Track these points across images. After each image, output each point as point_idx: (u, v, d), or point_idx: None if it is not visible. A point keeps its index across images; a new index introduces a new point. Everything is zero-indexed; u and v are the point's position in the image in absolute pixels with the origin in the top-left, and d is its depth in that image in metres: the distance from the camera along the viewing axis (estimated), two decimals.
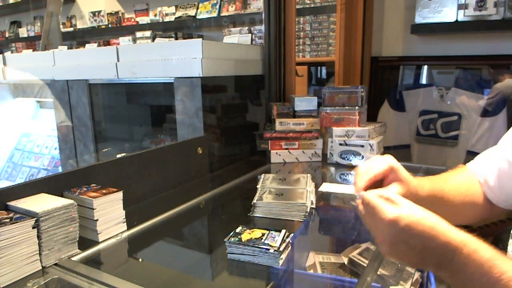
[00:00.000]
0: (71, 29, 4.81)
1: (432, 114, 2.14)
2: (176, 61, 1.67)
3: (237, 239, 0.92)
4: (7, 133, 2.89)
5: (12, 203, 0.91)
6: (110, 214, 1.03)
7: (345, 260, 0.99)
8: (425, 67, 2.21)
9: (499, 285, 0.53)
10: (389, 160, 0.76)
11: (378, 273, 0.67)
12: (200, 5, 3.79)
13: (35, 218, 0.84)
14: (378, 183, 0.75)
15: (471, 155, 2.00)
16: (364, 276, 0.71)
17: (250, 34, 2.52)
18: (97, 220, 0.99)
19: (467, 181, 0.87)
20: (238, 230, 0.97)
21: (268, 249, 0.88)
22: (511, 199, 0.82)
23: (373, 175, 0.74)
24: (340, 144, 1.71)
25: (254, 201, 1.19)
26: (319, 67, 3.11)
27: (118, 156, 1.27)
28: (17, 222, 0.82)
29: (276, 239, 0.92)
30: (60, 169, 2.52)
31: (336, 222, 1.29)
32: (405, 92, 2.23)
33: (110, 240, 1.02)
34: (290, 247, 0.92)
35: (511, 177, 0.80)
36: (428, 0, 1.93)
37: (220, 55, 1.74)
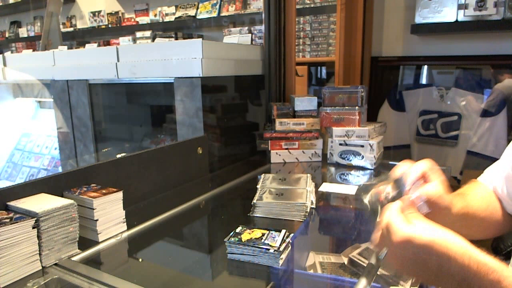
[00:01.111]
0: (71, 29, 4.81)
1: (432, 114, 2.14)
2: (176, 61, 1.67)
3: (237, 239, 0.92)
4: (7, 133, 2.89)
5: (12, 203, 0.91)
6: (110, 214, 1.03)
7: (345, 260, 0.99)
8: (425, 67, 2.21)
9: None
10: (428, 165, 0.75)
11: (378, 273, 0.67)
12: (200, 5, 3.79)
13: (35, 218, 0.84)
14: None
15: (471, 155, 2.00)
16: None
17: (250, 34, 2.52)
18: (97, 220, 0.99)
19: (485, 194, 0.86)
20: (238, 230, 0.97)
21: (268, 249, 0.88)
22: None
23: (415, 177, 0.72)
24: (340, 144, 1.71)
25: (254, 201, 1.19)
26: (319, 67, 3.11)
27: (118, 156, 1.27)
28: (17, 222, 0.82)
29: (276, 239, 0.92)
30: (60, 169, 2.52)
31: (336, 222, 1.29)
32: (405, 92, 2.23)
33: (110, 240, 1.02)
34: (290, 247, 0.92)
35: None
36: (428, 0, 1.93)
37: (220, 55, 1.74)
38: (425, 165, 0.74)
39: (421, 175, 0.72)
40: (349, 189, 1.41)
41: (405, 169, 0.74)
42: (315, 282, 0.90)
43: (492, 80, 1.99)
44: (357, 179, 1.58)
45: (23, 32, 5.36)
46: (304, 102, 1.82)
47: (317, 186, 1.41)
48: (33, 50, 4.16)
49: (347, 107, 1.73)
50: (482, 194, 0.86)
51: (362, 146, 1.67)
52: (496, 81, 1.97)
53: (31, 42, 5.16)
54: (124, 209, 1.06)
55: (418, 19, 1.98)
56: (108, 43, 4.36)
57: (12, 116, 2.86)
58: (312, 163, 1.79)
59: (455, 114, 2.07)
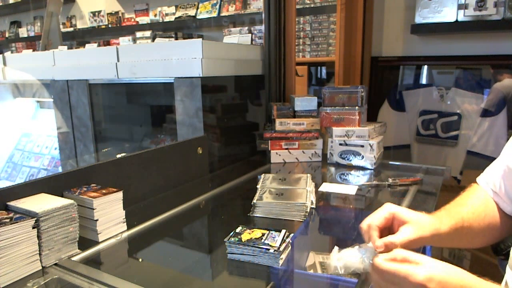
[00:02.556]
0: (71, 29, 4.81)
1: (432, 114, 2.14)
2: (176, 61, 1.67)
3: (237, 239, 0.92)
4: (7, 133, 2.89)
5: (12, 203, 0.91)
6: (110, 214, 1.03)
7: None
8: (425, 67, 2.21)
9: None
10: (387, 207, 0.75)
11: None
12: (200, 5, 3.79)
13: (35, 218, 0.84)
14: (385, 232, 0.74)
15: (471, 155, 2.00)
16: None
17: (250, 34, 2.52)
18: (97, 220, 0.99)
19: (482, 202, 0.85)
20: (238, 230, 0.97)
21: (268, 249, 0.88)
22: None
23: (377, 228, 0.73)
24: (340, 144, 1.71)
25: (254, 201, 1.19)
26: (319, 67, 3.11)
27: (118, 156, 1.27)
28: (17, 222, 0.82)
29: (276, 239, 0.92)
30: (60, 169, 2.52)
31: (336, 222, 1.29)
32: (405, 92, 2.23)
33: (110, 240, 1.02)
34: (290, 247, 0.92)
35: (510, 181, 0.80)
36: (428, 0, 1.93)
37: (220, 55, 1.74)
38: (382, 215, 0.74)
39: (384, 224, 0.74)
40: (349, 189, 1.41)
41: (365, 227, 0.74)
42: (315, 282, 0.90)
43: (492, 80, 1.99)
44: (357, 179, 1.58)
45: (23, 32, 5.36)
46: (304, 102, 1.82)
47: (317, 186, 1.41)
48: (33, 50, 4.16)
49: (347, 107, 1.73)
50: (477, 203, 0.85)
51: (362, 146, 1.67)
52: (496, 80, 1.97)
53: (31, 42, 5.16)
54: (124, 209, 1.06)
55: (418, 19, 1.98)
56: (108, 43, 4.35)
57: (12, 116, 2.86)
58: (312, 163, 1.79)
59: (455, 114, 2.07)
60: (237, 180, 1.57)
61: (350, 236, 1.16)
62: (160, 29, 4.10)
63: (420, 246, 0.73)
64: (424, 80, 2.22)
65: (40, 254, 0.86)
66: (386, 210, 0.74)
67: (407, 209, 0.76)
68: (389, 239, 0.68)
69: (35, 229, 0.84)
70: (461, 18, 1.86)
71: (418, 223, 0.72)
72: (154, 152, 1.38)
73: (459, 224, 0.78)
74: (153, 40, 3.88)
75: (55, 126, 2.38)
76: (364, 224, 0.74)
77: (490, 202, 0.86)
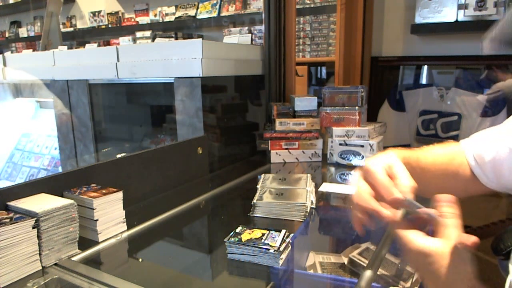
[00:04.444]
0: (71, 29, 4.81)
1: (432, 114, 2.14)
2: (176, 61, 1.67)
3: (237, 239, 0.92)
4: (7, 133, 2.89)
5: (12, 203, 0.91)
6: (110, 214, 1.03)
7: (345, 260, 0.99)
8: (425, 67, 2.21)
9: None
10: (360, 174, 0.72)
11: (378, 273, 0.67)
12: (200, 5, 3.79)
13: (35, 218, 0.84)
14: None
15: None
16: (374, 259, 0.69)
17: (250, 34, 2.52)
18: (97, 220, 0.99)
19: (451, 152, 0.84)
20: (238, 230, 0.97)
21: (268, 249, 0.88)
22: (501, 183, 0.81)
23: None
24: (340, 144, 1.71)
25: (254, 201, 1.19)
26: (319, 67, 3.11)
27: (118, 156, 1.27)
28: (17, 222, 0.82)
29: (276, 239, 0.92)
30: (60, 169, 2.52)
31: (336, 222, 1.29)
32: (405, 92, 2.23)
33: (110, 240, 1.02)
34: (290, 247, 0.92)
35: (507, 164, 0.78)
36: (428, 0, 1.93)
37: (220, 55, 1.74)
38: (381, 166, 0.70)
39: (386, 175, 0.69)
40: (349, 189, 1.41)
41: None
42: (315, 282, 0.90)
43: (492, 80, 1.99)
44: None
45: (23, 32, 5.36)
46: (304, 102, 1.82)
47: (317, 186, 1.41)
48: (33, 50, 4.16)
49: (347, 107, 1.73)
50: (444, 151, 0.84)
51: (362, 146, 1.67)
52: (497, 80, 1.97)
53: (31, 42, 5.17)
54: (124, 209, 1.06)
55: (418, 19, 1.98)
56: (108, 43, 4.36)
57: (12, 116, 2.86)
58: (312, 163, 1.79)
59: (455, 114, 2.07)
60: (237, 180, 1.57)
61: (350, 236, 1.16)
62: (160, 29, 4.10)
63: None
64: (424, 80, 2.22)
65: (40, 254, 0.86)
66: (381, 170, 0.70)
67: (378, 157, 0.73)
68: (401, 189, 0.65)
69: (35, 229, 0.84)
70: (461, 18, 1.86)
71: (391, 157, 0.71)
72: (154, 152, 1.38)
73: (415, 163, 0.79)
74: (153, 40, 3.88)
75: (55, 126, 2.38)
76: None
77: (461, 156, 0.84)
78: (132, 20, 4.27)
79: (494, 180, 0.80)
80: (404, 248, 0.63)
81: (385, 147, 1.87)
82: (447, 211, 0.62)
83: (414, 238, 0.61)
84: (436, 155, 0.83)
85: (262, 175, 1.40)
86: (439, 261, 0.59)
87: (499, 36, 0.55)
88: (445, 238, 0.61)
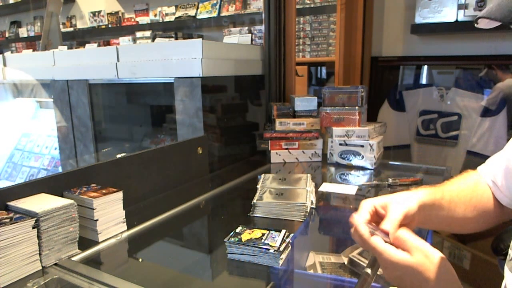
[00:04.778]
0: (71, 29, 4.81)
1: (432, 114, 2.14)
2: (176, 61, 1.67)
3: (237, 239, 0.92)
4: (7, 133, 2.89)
5: (12, 203, 0.90)
6: (110, 214, 1.03)
7: (345, 260, 0.99)
8: (425, 67, 2.21)
9: None
10: (365, 204, 0.72)
11: (378, 273, 0.67)
12: (200, 5, 3.79)
13: (35, 218, 0.84)
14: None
15: (471, 155, 2.00)
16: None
17: (250, 34, 2.52)
18: (97, 220, 0.99)
19: (471, 185, 0.84)
20: (238, 230, 0.97)
21: (268, 249, 0.88)
22: None
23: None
24: (340, 144, 1.71)
25: (254, 201, 1.19)
26: (319, 67, 3.11)
27: (118, 156, 1.27)
28: (17, 222, 0.82)
29: (276, 239, 0.92)
30: (60, 169, 2.52)
31: (336, 222, 1.29)
32: (405, 92, 2.23)
33: (110, 240, 1.02)
34: (290, 247, 0.92)
35: None
36: (428, 0, 1.93)
37: (220, 55, 1.74)
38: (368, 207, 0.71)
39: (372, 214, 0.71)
40: (349, 189, 1.41)
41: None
42: (315, 282, 0.90)
43: (492, 80, 1.99)
44: (357, 179, 1.58)
45: (23, 32, 5.36)
46: (304, 102, 1.82)
47: (317, 186, 1.41)
48: (33, 50, 4.16)
49: (347, 107, 1.73)
50: (466, 185, 0.84)
51: (362, 146, 1.67)
52: (497, 80, 1.98)
53: (31, 42, 5.16)
54: (124, 209, 1.06)
55: (418, 19, 1.98)
56: (108, 43, 4.35)
57: (12, 116, 2.86)
58: (312, 163, 1.79)
59: (455, 114, 2.07)
60: (237, 180, 1.57)
61: (350, 236, 1.16)
62: (160, 29, 4.10)
63: (416, 225, 0.72)
64: (424, 80, 2.22)
65: (40, 254, 0.86)
66: (367, 206, 0.71)
67: (384, 196, 0.73)
68: (383, 227, 0.67)
69: (35, 229, 0.84)
70: (461, 18, 1.86)
71: (400, 199, 0.71)
72: (154, 152, 1.38)
73: (439, 199, 0.77)
74: (153, 40, 3.88)
75: (55, 126, 2.38)
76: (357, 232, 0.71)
77: (481, 187, 0.84)
78: (132, 20, 4.27)
79: (510, 196, 0.81)
80: (380, 260, 0.64)
81: (385, 147, 1.87)
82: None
83: (388, 249, 0.63)
84: (459, 191, 0.82)
85: (262, 175, 1.40)
86: (422, 273, 0.60)
87: (495, 11, 0.55)
88: (415, 250, 0.62)
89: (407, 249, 0.63)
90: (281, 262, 0.87)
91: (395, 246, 0.64)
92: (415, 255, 0.61)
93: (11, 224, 0.81)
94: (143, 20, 4.17)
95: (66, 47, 2.67)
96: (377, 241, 0.64)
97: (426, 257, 0.61)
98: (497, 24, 0.55)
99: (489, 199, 0.83)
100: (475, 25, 0.60)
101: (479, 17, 0.56)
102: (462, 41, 2.03)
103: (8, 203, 0.91)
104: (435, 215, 0.75)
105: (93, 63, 2.04)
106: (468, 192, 0.82)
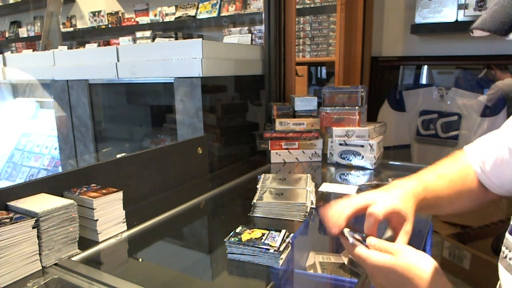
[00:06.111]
0: (71, 29, 4.81)
1: (432, 114, 2.15)
2: (176, 61, 1.67)
3: (237, 239, 0.92)
4: (7, 133, 2.89)
5: (12, 203, 0.91)
6: (110, 214, 1.03)
7: (345, 260, 0.99)
8: (425, 67, 2.21)
9: None
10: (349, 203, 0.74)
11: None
12: (200, 5, 3.79)
13: (35, 218, 0.84)
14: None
15: None
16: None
17: (250, 34, 2.52)
18: (97, 220, 0.99)
19: (462, 172, 0.84)
20: (238, 230, 0.97)
21: (268, 249, 0.88)
22: (505, 186, 0.81)
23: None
24: (340, 144, 1.71)
25: (254, 201, 1.19)
26: (319, 67, 3.11)
27: (118, 156, 1.27)
28: (17, 222, 0.82)
29: (276, 239, 0.92)
30: (60, 169, 2.52)
31: None
32: (405, 92, 2.23)
33: (110, 240, 1.02)
34: (290, 247, 0.92)
35: (508, 165, 0.78)
36: (428, 0, 1.93)
37: (220, 55, 1.74)
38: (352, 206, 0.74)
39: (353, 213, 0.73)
40: (349, 189, 1.41)
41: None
42: (315, 282, 0.90)
43: (491, 79, 1.99)
44: (357, 179, 1.58)
45: (23, 32, 5.36)
46: (304, 102, 1.82)
47: (317, 186, 1.41)
48: (33, 50, 4.16)
49: (347, 107, 1.73)
50: (457, 174, 0.84)
51: (362, 146, 1.67)
52: (496, 80, 1.98)
53: (31, 42, 5.16)
54: (124, 209, 1.06)
55: (418, 19, 1.98)
56: (108, 43, 4.36)
57: (12, 116, 2.86)
58: (312, 163, 1.79)
59: (455, 114, 2.07)
60: (237, 180, 1.57)
61: None
62: (160, 29, 4.10)
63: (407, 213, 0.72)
64: (424, 80, 2.23)
65: (40, 254, 0.86)
66: (346, 213, 0.74)
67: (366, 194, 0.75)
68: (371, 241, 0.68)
69: (35, 229, 0.84)
70: (461, 18, 1.86)
71: (381, 197, 0.72)
72: (154, 152, 1.38)
73: (434, 197, 0.79)
74: (153, 40, 3.88)
75: (55, 126, 2.38)
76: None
77: (470, 172, 0.84)
78: (132, 20, 4.27)
79: (496, 183, 0.81)
80: (366, 267, 0.66)
81: (385, 147, 1.87)
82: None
83: (371, 254, 0.64)
84: (452, 180, 0.83)
85: (262, 175, 1.40)
86: (407, 273, 0.61)
87: (488, 23, 0.55)
88: (399, 252, 0.63)
89: (391, 252, 0.64)
90: (281, 262, 0.87)
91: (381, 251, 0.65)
92: (398, 257, 0.62)
93: (11, 224, 0.81)
94: (143, 20, 4.17)
95: (66, 47, 2.67)
96: (360, 250, 0.66)
97: (409, 257, 0.62)
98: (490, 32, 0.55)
99: (472, 182, 0.84)
100: (471, 34, 0.60)
101: (475, 28, 0.57)
102: (462, 41, 2.03)
103: (8, 203, 0.91)
104: (426, 206, 0.77)
105: (93, 63, 2.04)
106: (460, 180, 0.83)
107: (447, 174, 0.83)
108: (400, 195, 0.73)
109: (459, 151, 0.90)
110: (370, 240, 0.67)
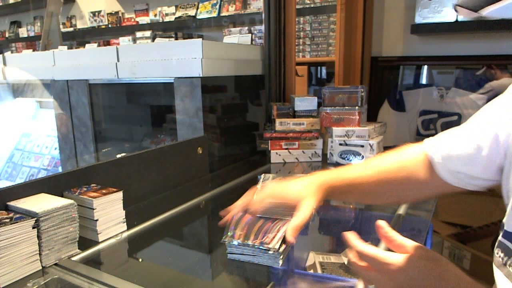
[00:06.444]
0: (71, 29, 4.82)
1: (432, 114, 2.14)
2: (176, 61, 1.67)
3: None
4: (7, 133, 2.89)
5: (12, 203, 0.90)
6: (110, 214, 1.03)
7: (345, 260, 0.99)
8: (425, 67, 2.21)
9: None
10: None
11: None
12: (200, 5, 3.79)
13: (35, 218, 0.84)
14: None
15: None
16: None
17: (250, 34, 2.52)
18: (97, 220, 0.99)
19: (407, 162, 0.87)
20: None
21: (268, 249, 0.88)
22: (461, 181, 0.79)
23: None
24: (340, 144, 1.71)
25: None
26: (319, 67, 3.11)
27: (118, 156, 1.27)
28: (17, 222, 0.82)
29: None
30: (60, 169, 2.52)
31: (336, 222, 1.29)
32: (405, 92, 2.23)
33: (110, 240, 1.02)
34: (290, 247, 0.92)
35: (471, 162, 0.76)
36: (428, 0, 1.93)
37: (220, 55, 1.74)
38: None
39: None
40: None
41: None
42: (315, 282, 0.90)
43: (490, 78, 1.99)
44: None
45: (23, 32, 5.36)
46: (304, 102, 1.82)
47: None
48: (33, 50, 4.16)
49: (347, 107, 1.73)
50: (401, 159, 0.87)
51: (362, 146, 1.67)
52: (494, 79, 1.98)
53: (31, 42, 5.16)
54: (124, 209, 1.06)
55: (418, 19, 1.98)
56: (108, 43, 4.36)
57: (12, 116, 2.86)
58: (312, 163, 1.79)
59: (455, 114, 2.07)
60: (237, 180, 1.57)
61: None
62: (160, 29, 4.10)
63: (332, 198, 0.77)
64: (424, 80, 2.22)
65: (40, 254, 0.86)
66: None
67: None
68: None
69: (35, 229, 0.84)
70: (461, 18, 1.86)
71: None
72: (154, 152, 1.38)
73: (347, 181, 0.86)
74: (153, 40, 3.88)
75: (55, 126, 2.38)
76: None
77: (418, 161, 0.85)
78: (132, 20, 4.27)
79: (453, 176, 0.79)
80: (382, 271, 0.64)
81: (385, 147, 1.87)
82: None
83: (389, 255, 0.63)
84: (379, 170, 0.88)
85: (262, 175, 1.40)
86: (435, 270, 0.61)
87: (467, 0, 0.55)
88: (416, 248, 0.63)
89: (405, 251, 0.63)
90: (281, 262, 0.87)
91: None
92: (419, 252, 0.61)
93: (11, 224, 0.81)
94: (143, 20, 4.17)
95: (66, 47, 2.67)
96: (373, 250, 0.65)
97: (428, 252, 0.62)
98: (474, 14, 0.54)
99: (421, 170, 0.83)
100: (455, 12, 0.61)
101: (456, 5, 0.56)
102: (462, 41, 2.03)
103: (8, 203, 0.91)
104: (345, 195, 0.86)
105: (93, 63, 2.04)
106: (391, 167, 0.88)
107: (381, 164, 0.89)
108: (307, 184, 0.86)
109: (414, 146, 0.90)
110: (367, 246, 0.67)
